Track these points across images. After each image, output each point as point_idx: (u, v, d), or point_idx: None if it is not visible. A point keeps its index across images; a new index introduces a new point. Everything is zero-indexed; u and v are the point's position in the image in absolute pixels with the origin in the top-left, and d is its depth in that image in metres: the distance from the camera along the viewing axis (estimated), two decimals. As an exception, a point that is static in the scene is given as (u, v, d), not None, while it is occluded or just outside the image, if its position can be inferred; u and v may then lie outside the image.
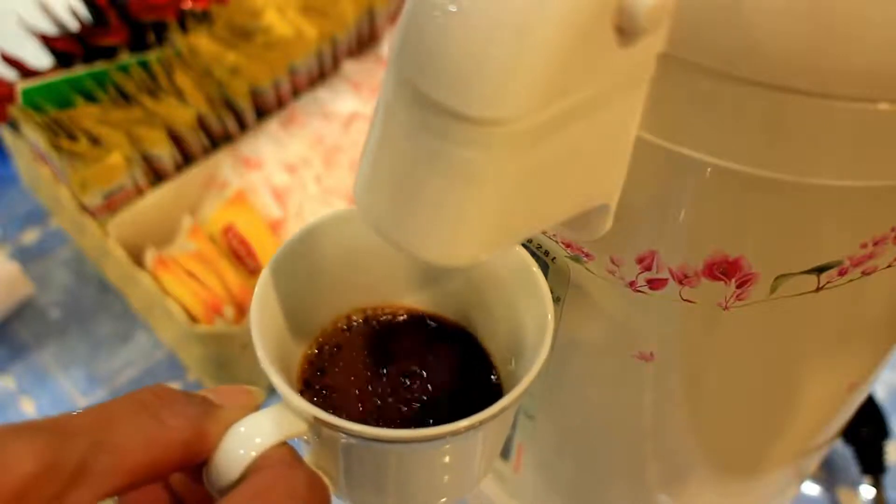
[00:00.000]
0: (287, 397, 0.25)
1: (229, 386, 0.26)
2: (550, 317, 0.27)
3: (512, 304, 0.29)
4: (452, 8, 0.19)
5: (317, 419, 0.25)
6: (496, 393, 0.30)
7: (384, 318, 0.32)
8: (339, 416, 0.25)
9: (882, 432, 0.53)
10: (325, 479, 0.26)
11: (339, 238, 0.30)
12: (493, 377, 0.30)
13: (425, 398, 0.29)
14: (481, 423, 0.25)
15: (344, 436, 0.25)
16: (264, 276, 0.28)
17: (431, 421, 0.28)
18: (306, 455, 0.27)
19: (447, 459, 0.27)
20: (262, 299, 0.27)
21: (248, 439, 0.24)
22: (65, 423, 0.21)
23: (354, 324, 0.31)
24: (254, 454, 0.24)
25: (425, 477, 0.28)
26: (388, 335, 0.31)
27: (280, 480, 0.23)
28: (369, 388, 0.29)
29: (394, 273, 0.31)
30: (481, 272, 0.30)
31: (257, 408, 0.25)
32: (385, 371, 0.30)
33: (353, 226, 0.30)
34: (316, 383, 0.29)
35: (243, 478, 0.24)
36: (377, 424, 0.28)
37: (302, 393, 0.29)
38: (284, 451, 0.24)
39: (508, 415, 0.27)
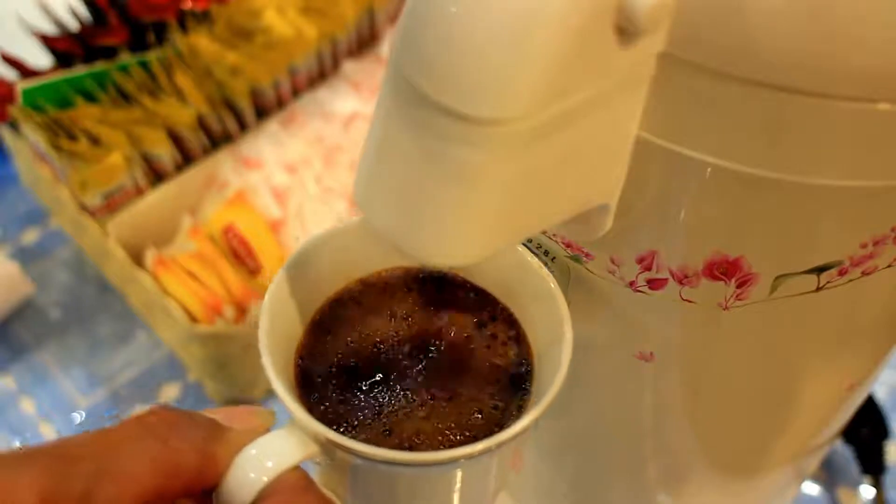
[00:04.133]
0: (300, 420, 0.24)
1: (238, 407, 0.25)
2: (568, 349, 0.26)
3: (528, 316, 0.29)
4: (453, 9, 0.19)
5: (330, 441, 0.24)
6: (525, 378, 0.28)
7: (393, 277, 0.29)
8: (347, 416, 0.24)
9: (882, 432, 0.53)
10: (337, 503, 0.26)
11: (343, 248, 0.29)
12: (524, 363, 0.28)
13: (440, 372, 0.27)
14: (498, 445, 0.24)
15: (358, 458, 0.24)
16: (269, 297, 0.27)
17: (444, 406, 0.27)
18: (315, 476, 0.26)
19: (460, 481, 0.26)
20: (269, 320, 0.26)
21: (259, 463, 0.23)
22: (68, 449, 0.21)
23: (355, 287, 0.29)
24: (265, 479, 0.23)
25: (438, 498, 0.27)
26: (397, 293, 0.29)
27: None
28: (374, 367, 0.28)
29: None
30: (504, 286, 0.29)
31: (267, 430, 0.25)
32: (395, 338, 0.28)
33: (359, 234, 0.29)
34: (315, 357, 0.28)
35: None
36: (387, 418, 0.26)
37: (300, 369, 0.27)
38: (297, 476, 0.24)
39: (524, 437, 0.26)
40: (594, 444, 0.36)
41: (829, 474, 0.54)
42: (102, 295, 0.62)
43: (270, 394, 0.57)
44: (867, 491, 0.54)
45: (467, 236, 0.22)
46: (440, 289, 0.30)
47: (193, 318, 0.53)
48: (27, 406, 0.57)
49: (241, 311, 0.55)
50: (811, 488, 0.54)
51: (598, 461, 0.37)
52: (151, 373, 0.58)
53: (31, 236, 0.65)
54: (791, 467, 0.38)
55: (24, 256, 0.64)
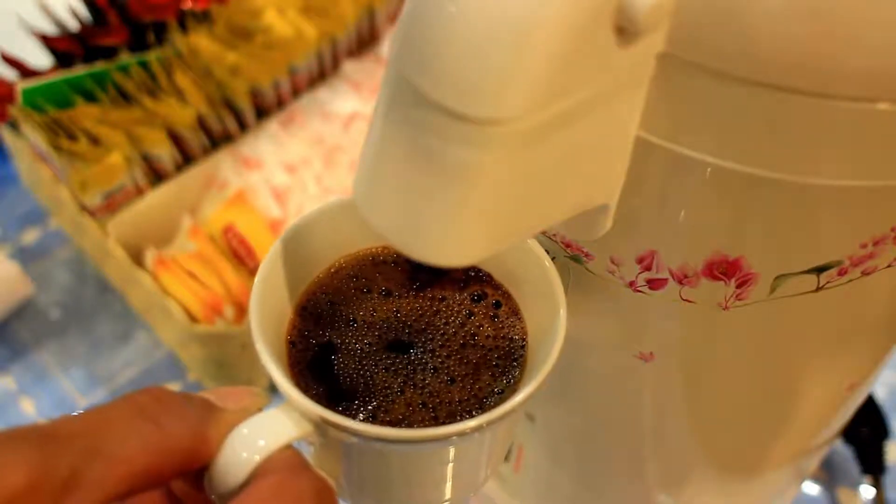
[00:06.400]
0: (292, 397, 0.24)
1: (231, 388, 0.25)
2: (562, 330, 0.26)
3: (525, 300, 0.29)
4: (452, 8, 0.19)
5: (323, 419, 0.24)
6: (519, 357, 0.28)
7: (386, 257, 0.29)
8: (340, 395, 0.24)
9: (882, 432, 0.53)
10: (331, 483, 0.25)
11: (335, 225, 0.29)
12: (522, 340, 0.28)
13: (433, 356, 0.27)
14: (489, 423, 0.24)
15: (352, 437, 0.24)
16: (260, 276, 0.27)
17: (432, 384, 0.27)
18: (309, 457, 0.25)
19: (452, 459, 0.26)
20: (259, 300, 0.26)
21: (251, 442, 0.23)
22: (57, 429, 0.20)
23: (344, 264, 0.29)
24: (257, 458, 0.23)
25: (431, 476, 0.27)
26: (389, 270, 0.29)
27: (286, 487, 0.22)
28: (365, 345, 0.27)
29: None
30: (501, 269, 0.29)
31: (260, 410, 0.24)
32: (384, 317, 0.28)
33: (348, 212, 0.29)
34: (307, 336, 0.28)
35: (247, 483, 0.22)
36: (379, 401, 0.26)
37: (291, 349, 0.27)
38: (290, 455, 0.23)
39: (517, 416, 0.26)
40: (594, 444, 0.36)
41: (829, 474, 0.54)
42: (102, 295, 0.62)
43: (271, 391, 0.57)
44: (867, 491, 0.54)
45: (467, 236, 0.22)
46: (434, 267, 0.29)
47: (193, 318, 0.53)
48: (27, 406, 0.57)
49: (241, 311, 0.55)
50: (811, 488, 0.54)
51: (598, 461, 0.37)
52: (151, 373, 0.58)
53: (31, 236, 0.65)
54: (791, 467, 0.38)
55: (24, 256, 0.64)
